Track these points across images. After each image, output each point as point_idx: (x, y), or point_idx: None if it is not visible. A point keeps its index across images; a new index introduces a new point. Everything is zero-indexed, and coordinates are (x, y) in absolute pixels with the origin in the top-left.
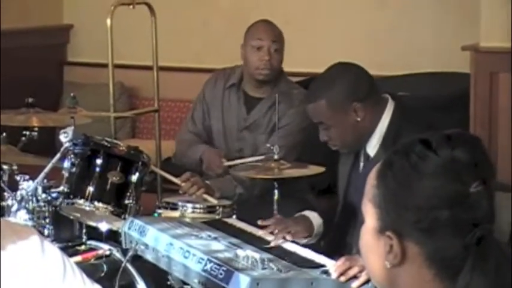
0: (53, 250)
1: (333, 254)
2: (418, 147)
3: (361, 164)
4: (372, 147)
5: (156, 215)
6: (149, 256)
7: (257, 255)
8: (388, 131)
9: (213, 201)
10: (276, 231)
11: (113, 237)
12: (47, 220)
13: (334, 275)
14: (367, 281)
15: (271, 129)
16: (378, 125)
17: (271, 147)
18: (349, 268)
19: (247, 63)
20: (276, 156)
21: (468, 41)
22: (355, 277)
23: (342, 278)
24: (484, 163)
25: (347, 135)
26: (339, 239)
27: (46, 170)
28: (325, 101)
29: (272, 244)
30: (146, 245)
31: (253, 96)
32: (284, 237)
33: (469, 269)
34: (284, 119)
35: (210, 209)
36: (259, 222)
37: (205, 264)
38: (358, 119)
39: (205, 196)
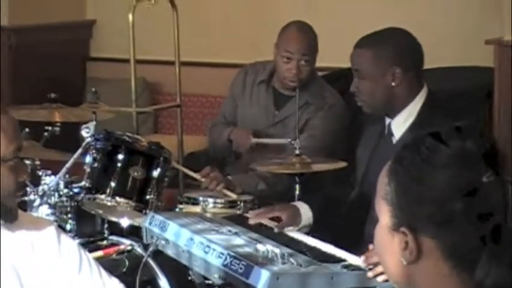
0: (69, 242)
1: (346, 243)
2: (428, 140)
3: (383, 146)
4: (398, 126)
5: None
6: (170, 251)
7: (277, 250)
8: (419, 116)
9: (233, 196)
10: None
11: (134, 232)
12: (69, 215)
13: (363, 265)
14: None
15: (300, 129)
16: (409, 104)
17: (292, 142)
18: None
19: (276, 67)
20: (297, 152)
21: (490, 34)
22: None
23: (370, 274)
24: (495, 154)
25: (375, 95)
26: (352, 227)
27: (68, 165)
28: (371, 51)
29: (250, 222)
30: (167, 240)
31: (283, 93)
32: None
33: (486, 260)
34: (312, 121)
35: (231, 204)
36: None
37: (226, 259)
38: (393, 84)
39: (225, 191)
